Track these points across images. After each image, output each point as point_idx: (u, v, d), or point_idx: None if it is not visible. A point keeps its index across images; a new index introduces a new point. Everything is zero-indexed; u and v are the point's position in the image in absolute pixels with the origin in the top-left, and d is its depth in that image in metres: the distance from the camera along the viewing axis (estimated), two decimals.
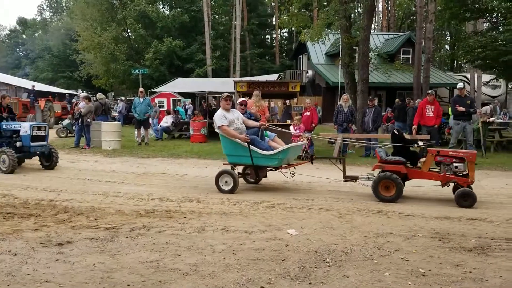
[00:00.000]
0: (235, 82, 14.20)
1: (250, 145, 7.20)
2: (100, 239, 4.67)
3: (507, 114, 24.27)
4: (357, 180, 7.41)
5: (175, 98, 24.28)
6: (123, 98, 28.70)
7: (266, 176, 8.05)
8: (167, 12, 37.77)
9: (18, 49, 62.72)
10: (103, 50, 30.21)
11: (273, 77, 22.42)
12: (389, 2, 41.14)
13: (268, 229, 5.12)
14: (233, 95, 8.24)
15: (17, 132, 9.54)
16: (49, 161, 9.87)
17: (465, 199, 6.49)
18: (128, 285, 3.53)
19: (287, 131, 10.62)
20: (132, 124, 19.69)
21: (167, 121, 17.81)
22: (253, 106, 9.84)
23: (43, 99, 23.21)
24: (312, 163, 7.97)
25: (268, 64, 44.64)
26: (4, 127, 9.63)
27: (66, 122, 18.41)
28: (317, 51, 29.36)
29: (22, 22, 63.93)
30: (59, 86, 42.86)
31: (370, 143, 12.01)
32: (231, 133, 7.31)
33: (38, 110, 22.12)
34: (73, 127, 15.26)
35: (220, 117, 7.41)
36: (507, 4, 16.00)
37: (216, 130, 7.58)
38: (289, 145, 7.53)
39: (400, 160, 6.93)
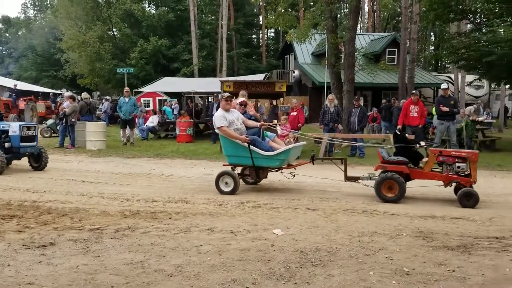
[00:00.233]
0: (222, 82, 14.17)
1: (250, 146, 7.13)
2: (84, 241, 4.63)
3: (490, 114, 24.72)
4: (359, 181, 7.36)
5: (161, 98, 24.17)
6: (108, 97, 28.41)
7: (266, 177, 7.93)
8: (153, 11, 37.59)
9: (1, 48, 61.76)
10: (88, 49, 29.94)
11: (259, 77, 22.48)
12: (375, 2, 41.54)
13: (254, 229, 5.12)
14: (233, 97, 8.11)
15: (5, 132, 9.35)
16: (38, 162, 9.66)
17: (468, 199, 6.50)
18: (112, 286, 3.50)
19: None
20: (117, 124, 19.52)
21: (153, 121, 17.71)
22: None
23: (22, 99, 22.88)
24: (313, 164, 7.89)
25: (255, 64, 44.68)
26: None
27: (50, 122, 18.18)
28: (304, 51, 29.46)
29: (5, 20, 62.88)
30: (43, 85, 42.26)
31: (356, 143, 12.09)
32: (231, 133, 7.21)
33: (27, 110, 21.85)
34: (58, 127, 15.07)
35: (219, 118, 7.28)
36: (490, 6, 16.26)
37: (216, 131, 7.49)
38: (290, 146, 7.47)
39: (403, 160, 6.95)
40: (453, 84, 25.99)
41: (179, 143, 15.50)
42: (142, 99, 24.58)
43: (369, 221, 5.62)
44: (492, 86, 29.78)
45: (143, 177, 9.02)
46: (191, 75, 31.38)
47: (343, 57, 16.05)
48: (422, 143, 7.37)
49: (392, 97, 20.84)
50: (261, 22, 49.19)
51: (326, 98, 14.06)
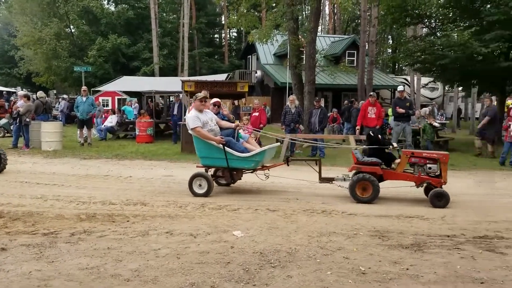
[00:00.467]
0: (183, 82, 14.05)
1: (225, 147, 7.05)
2: (38, 246, 4.47)
3: (444, 115, 25.73)
4: (333, 182, 7.42)
5: (120, 97, 23.67)
6: (65, 96, 27.57)
7: (240, 178, 7.79)
8: (112, 8, 36.79)
9: None
10: (44, 46, 28.99)
11: (221, 77, 22.38)
12: (335, 5, 42.26)
13: (214, 231, 5.10)
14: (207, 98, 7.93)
15: None
16: None
17: (440, 199, 6.66)
18: None
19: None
20: (74, 124, 18.96)
21: (111, 120, 17.30)
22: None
23: None
24: (288, 165, 7.82)
25: (217, 64, 44.54)
26: None
27: (3, 121, 17.42)
28: (266, 52, 29.62)
29: None
30: None
31: (317, 143, 12.26)
32: (205, 134, 7.08)
33: None
34: (11, 127, 14.48)
35: (193, 119, 7.12)
36: (445, 11, 16.92)
37: (189, 132, 7.35)
38: (266, 147, 7.43)
39: (376, 162, 7.05)
40: (409, 86, 26.84)
41: (138, 143, 15.22)
42: (100, 98, 23.98)
43: (328, 221, 5.71)
44: (446, 88, 31.06)
45: (100, 179, 8.78)
46: (152, 74, 30.89)
47: (304, 58, 16.24)
48: (395, 144, 7.54)
49: (351, 98, 21.29)
50: (223, 22, 49.11)
51: (287, 99, 14.19)
